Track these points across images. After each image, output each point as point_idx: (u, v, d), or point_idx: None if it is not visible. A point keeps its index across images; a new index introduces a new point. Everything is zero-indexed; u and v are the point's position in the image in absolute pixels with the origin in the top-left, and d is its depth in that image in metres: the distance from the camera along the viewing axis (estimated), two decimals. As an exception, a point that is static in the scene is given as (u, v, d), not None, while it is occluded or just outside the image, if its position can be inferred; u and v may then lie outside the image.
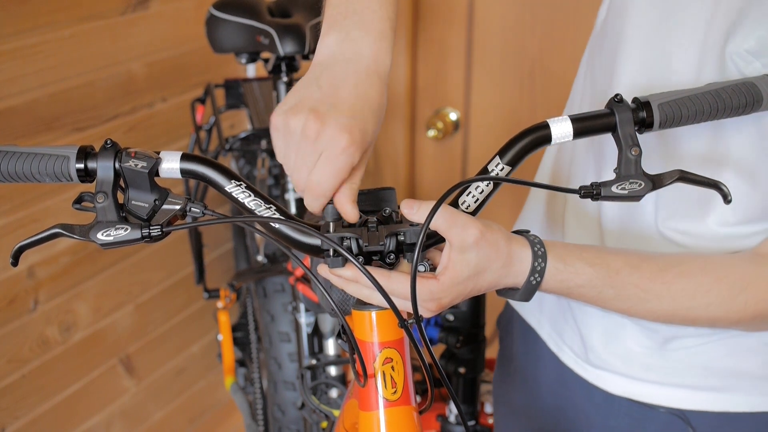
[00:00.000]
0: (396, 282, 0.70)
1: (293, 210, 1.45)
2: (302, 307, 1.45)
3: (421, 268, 0.72)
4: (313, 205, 0.70)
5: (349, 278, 0.71)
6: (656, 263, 0.77)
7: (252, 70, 2.02)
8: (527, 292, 0.74)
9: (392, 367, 0.75)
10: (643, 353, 0.91)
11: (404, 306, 0.71)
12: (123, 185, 0.70)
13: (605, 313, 0.92)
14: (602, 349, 0.94)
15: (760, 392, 0.88)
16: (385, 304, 0.68)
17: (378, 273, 0.70)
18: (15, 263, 0.70)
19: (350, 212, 0.69)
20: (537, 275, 0.73)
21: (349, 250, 0.70)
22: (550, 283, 0.74)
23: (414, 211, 0.69)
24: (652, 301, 0.76)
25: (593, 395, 0.95)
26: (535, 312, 1.06)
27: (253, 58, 1.50)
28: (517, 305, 1.11)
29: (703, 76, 0.77)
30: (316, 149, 0.67)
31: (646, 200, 0.83)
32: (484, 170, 0.74)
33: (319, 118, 0.66)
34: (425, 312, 0.73)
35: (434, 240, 0.73)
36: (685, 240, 0.83)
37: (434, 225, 0.69)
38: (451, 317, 1.26)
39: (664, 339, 0.89)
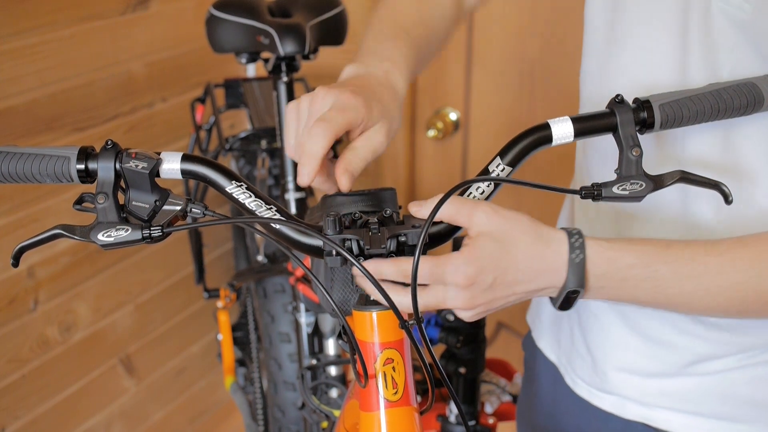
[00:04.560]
0: (409, 263, 0.68)
1: (293, 210, 1.45)
2: (302, 307, 1.45)
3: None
4: (312, 159, 0.72)
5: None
6: (704, 240, 0.72)
7: (252, 70, 2.02)
8: (576, 273, 0.69)
9: (393, 368, 0.75)
10: (658, 379, 0.89)
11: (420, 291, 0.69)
12: (123, 186, 0.70)
13: (620, 337, 0.90)
14: (616, 376, 0.92)
15: None
16: (406, 304, 0.68)
17: (390, 261, 0.69)
18: (15, 264, 0.70)
19: (343, 183, 0.73)
20: (578, 251, 0.69)
21: (350, 251, 0.70)
22: (597, 263, 0.69)
23: (421, 208, 0.70)
24: (714, 275, 0.70)
25: (610, 422, 0.94)
26: (554, 347, 1.04)
27: (253, 58, 1.50)
28: (538, 339, 1.09)
29: (690, 39, 0.76)
30: (324, 105, 0.74)
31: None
32: (485, 171, 0.74)
33: (327, 88, 0.75)
34: (457, 293, 0.69)
35: (436, 241, 0.73)
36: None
37: (444, 216, 0.70)
38: (451, 317, 1.26)
39: (681, 364, 0.87)
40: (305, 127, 0.75)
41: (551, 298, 0.73)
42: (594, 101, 0.89)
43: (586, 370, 0.96)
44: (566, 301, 0.71)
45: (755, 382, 0.84)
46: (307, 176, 0.72)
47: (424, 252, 0.71)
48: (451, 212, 0.70)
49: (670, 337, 0.87)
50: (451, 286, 0.69)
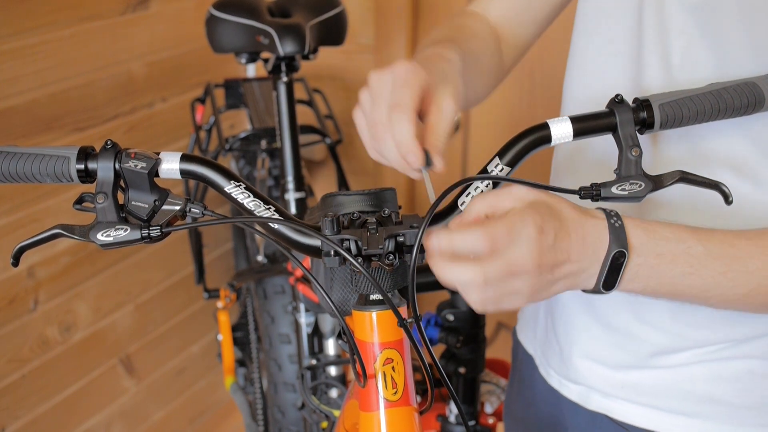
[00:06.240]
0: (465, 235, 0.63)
1: (293, 210, 1.45)
2: (302, 307, 1.45)
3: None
4: (402, 132, 0.67)
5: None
6: (732, 229, 0.72)
7: (252, 70, 2.02)
8: (617, 235, 0.67)
9: (393, 368, 0.75)
10: (619, 370, 0.90)
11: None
12: (123, 186, 0.70)
13: (583, 325, 0.91)
14: (581, 364, 0.93)
15: (739, 422, 0.85)
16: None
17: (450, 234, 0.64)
18: (15, 264, 0.70)
19: (437, 164, 0.70)
20: (615, 218, 0.68)
21: (348, 251, 0.70)
22: (635, 232, 0.68)
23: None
24: (746, 260, 0.69)
25: (577, 413, 0.95)
26: (531, 339, 1.06)
27: (253, 58, 1.50)
28: (519, 331, 1.10)
29: (645, 23, 0.77)
30: (383, 86, 0.69)
31: None
32: (484, 171, 0.74)
33: (381, 68, 0.70)
34: (529, 249, 0.62)
35: None
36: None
37: (480, 210, 0.66)
38: (451, 317, 1.26)
39: (641, 356, 0.87)
40: (377, 114, 0.70)
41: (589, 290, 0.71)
42: (569, 91, 0.92)
43: (555, 359, 0.97)
44: (612, 270, 0.68)
45: (713, 380, 0.85)
46: (417, 161, 0.68)
47: (422, 252, 0.71)
48: (483, 207, 0.66)
49: (630, 326, 0.87)
50: (522, 240, 0.62)
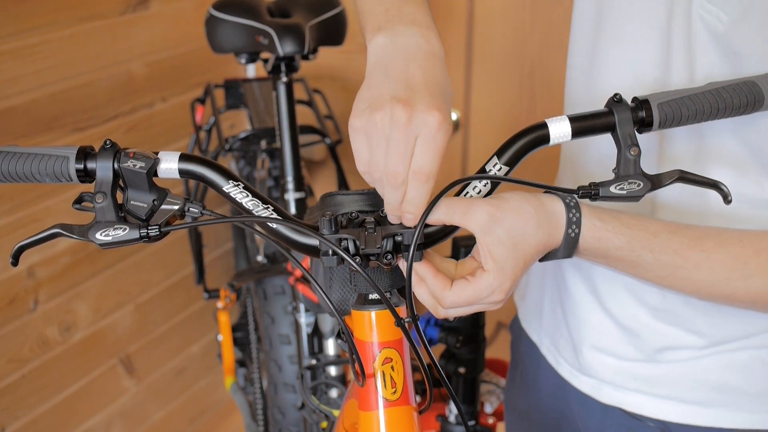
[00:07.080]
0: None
1: (293, 210, 1.45)
2: (302, 307, 1.45)
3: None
4: (418, 197, 0.67)
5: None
6: (695, 231, 0.74)
7: (252, 70, 2.02)
8: (568, 246, 0.73)
9: (392, 367, 0.75)
10: (631, 363, 0.90)
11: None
12: (122, 185, 0.71)
13: (596, 321, 0.92)
14: (592, 357, 0.93)
15: (750, 409, 0.86)
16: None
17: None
18: (15, 263, 0.70)
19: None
20: (574, 226, 0.72)
21: (347, 250, 0.70)
22: (588, 240, 0.73)
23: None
24: (691, 270, 0.73)
25: (588, 405, 0.95)
26: (536, 327, 1.06)
27: (252, 58, 1.50)
28: (523, 319, 1.10)
29: (673, 39, 0.77)
30: (410, 135, 0.64)
31: None
32: (482, 170, 0.74)
33: (406, 104, 0.64)
34: (497, 305, 0.72)
35: (432, 239, 0.73)
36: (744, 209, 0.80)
37: (436, 220, 0.69)
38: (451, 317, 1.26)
39: (653, 349, 0.88)
40: (398, 165, 0.66)
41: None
42: (580, 96, 0.91)
43: (568, 351, 0.98)
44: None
45: (725, 369, 0.86)
46: (412, 222, 0.69)
47: (419, 249, 0.71)
48: (445, 218, 0.69)
49: (642, 322, 0.88)
50: (491, 303, 0.72)
